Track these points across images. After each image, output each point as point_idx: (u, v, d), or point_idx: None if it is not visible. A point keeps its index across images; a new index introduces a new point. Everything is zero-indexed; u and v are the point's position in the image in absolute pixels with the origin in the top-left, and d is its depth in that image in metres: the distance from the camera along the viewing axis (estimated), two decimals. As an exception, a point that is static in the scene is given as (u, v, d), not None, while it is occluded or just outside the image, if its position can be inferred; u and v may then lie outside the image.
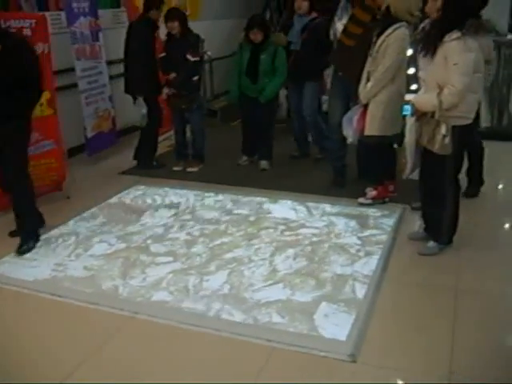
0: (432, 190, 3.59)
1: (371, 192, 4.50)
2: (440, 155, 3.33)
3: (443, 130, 3.23)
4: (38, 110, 4.53)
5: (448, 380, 2.48)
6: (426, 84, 3.41)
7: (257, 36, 5.08)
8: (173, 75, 5.23)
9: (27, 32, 4.36)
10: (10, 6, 5.17)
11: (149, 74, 5.27)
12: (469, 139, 4.04)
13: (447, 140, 3.24)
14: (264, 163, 5.54)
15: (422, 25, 3.63)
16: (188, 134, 5.67)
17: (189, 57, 5.18)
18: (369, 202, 4.48)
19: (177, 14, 5.23)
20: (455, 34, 3.16)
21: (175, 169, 5.56)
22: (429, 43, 3.30)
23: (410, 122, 3.45)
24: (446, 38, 3.19)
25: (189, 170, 5.53)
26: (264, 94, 5.23)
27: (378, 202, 4.47)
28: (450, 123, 3.25)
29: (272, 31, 5.44)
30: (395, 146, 4.42)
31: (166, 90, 5.35)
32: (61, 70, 5.34)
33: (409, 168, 3.53)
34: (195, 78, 5.31)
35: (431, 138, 3.31)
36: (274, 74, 5.20)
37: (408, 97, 3.94)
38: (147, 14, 5.27)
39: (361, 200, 4.51)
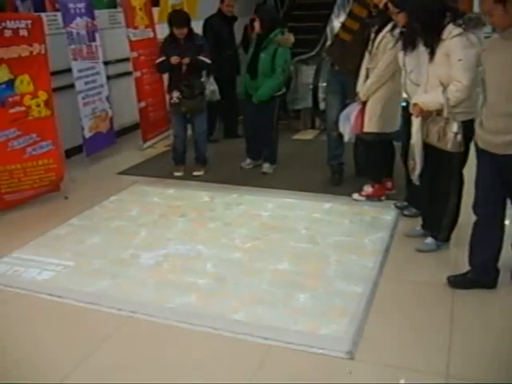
0: (436, 186, 3.54)
1: (367, 189, 4.49)
2: (446, 152, 3.27)
3: (455, 127, 3.17)
4: (36, 111, 4.55)
5: (445, 377, 2.48)
6: (423, 84, 3.35)
7: (256, 26, 4.89)
8: (184, 60, 4.96)
9: (23, 33, 4.35)
10: (6, 6, 5.18)
11: None
12: None
13: (459, 137, 3.18)
14: (266, 166, 5.34)
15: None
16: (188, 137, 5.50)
17: (205, 59, 5.05)
18: (362, 198, 4.47)
19: (186, 20, 5.02)
20: (456, 31, 3.14)
21: (176, 174, 5.34)
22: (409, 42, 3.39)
23: (417, 122, 3.42)
24: (445, 35, 3.17)
25: (195, 173, 5.33)
26: (257, 93, 5.02)
27: (372, 199, 4.45)
28: (458, 120, 3.21)
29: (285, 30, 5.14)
30: (394, 142, 4.42)
31: (175, 94, 5.09)
32: (58, 70, 5.33)
33: (418, 168, 3.49)
34: (202, 79, 5.27)
35: (442, 137, 3.24)
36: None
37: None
38: None
39: (355, 196, 4.51)
